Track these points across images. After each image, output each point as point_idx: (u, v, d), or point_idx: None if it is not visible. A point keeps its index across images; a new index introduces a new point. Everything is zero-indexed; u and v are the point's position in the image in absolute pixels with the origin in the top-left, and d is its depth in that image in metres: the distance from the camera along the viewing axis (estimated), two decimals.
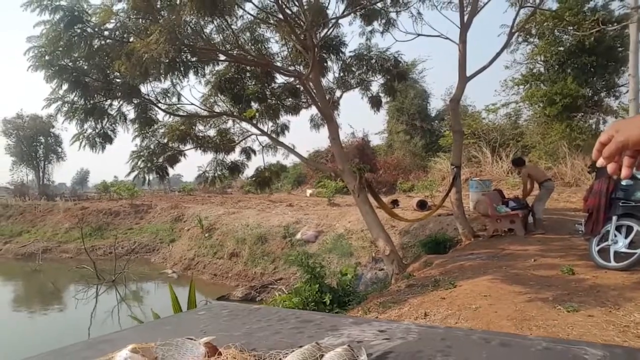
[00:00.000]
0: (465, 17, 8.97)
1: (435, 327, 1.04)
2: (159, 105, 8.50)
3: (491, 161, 17.06)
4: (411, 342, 0.95)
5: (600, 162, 0.78)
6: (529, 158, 15.58)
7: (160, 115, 8.86)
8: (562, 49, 17.49)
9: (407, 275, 6.65)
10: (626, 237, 5.19)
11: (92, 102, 7.71)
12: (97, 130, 7.98)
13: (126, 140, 10.10)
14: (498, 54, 9.38)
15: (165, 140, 8.98)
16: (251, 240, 12.88)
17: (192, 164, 19.45)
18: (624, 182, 5.52)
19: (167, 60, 6.27)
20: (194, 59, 7.48)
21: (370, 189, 8.72)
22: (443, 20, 18.71)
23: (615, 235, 5.24)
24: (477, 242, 8.29)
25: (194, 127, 9.22)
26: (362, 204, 8.23)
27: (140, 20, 6.91)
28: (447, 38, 9.52)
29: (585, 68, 17.35)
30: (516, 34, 13.40)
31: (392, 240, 8.47)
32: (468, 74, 9.04)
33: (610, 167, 0.78)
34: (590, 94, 17.15)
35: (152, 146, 8.91)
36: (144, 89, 8.13)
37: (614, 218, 5.31)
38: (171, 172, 9.27)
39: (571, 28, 16.58)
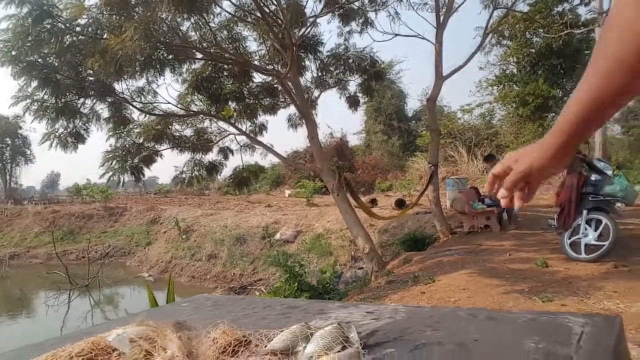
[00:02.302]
0: (441, 18, 9.12)
1: (422, 307, 1.05)
2: (134, 104, 8.33)
3: (467, 160, 17.40)
4: (399, 320, 0.96)
5: (500, 194, 0.79)
6: (503, 157, 15.94)
7: (136, 115, 8.68)
8: (533, 50, 18.01)
9: (387, 272, 6.71)
10: (595, 230, 5.38)
11: (63, 100, 7.47)
12: (69, 130, 7.75)
13: (99, 143, 9.82)
14: (472, 55, 9.59)
15: (141, 140, 8.79)
16: (230, 241, 12.75)
17: (169, 165, 19.18)
18: (593, 177, 5.73)
19: (143, 58, 6.15)
20: (170, 57, 7.37)
21: (348, 188, 8.75)
22: (420, 21, 18.97)
23: (586, 229, 5.42)
24: (455, 238, 8.44)
25: (170, 126, 9.05)
26: (341, 202, 8.26)
27: (114, 16, 6.75)
28: (423, 38, 9.68)
29: (555, 69, 17.92)
30: (490, 36, 13.71)
31: (371, 238, 8.53)
32: (444, 73, 9.20)
33: (505, 201, 0.79)
34: (560, 95, 17.72)
35: (127, 146, 8.71)
36: (118, 87, 7.95)
37: (584, 212, 5.49)
38: (147, 173, 9.08)
39: (541, 30, 17.11)
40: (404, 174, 19.53)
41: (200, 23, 7.62)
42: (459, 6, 9.59)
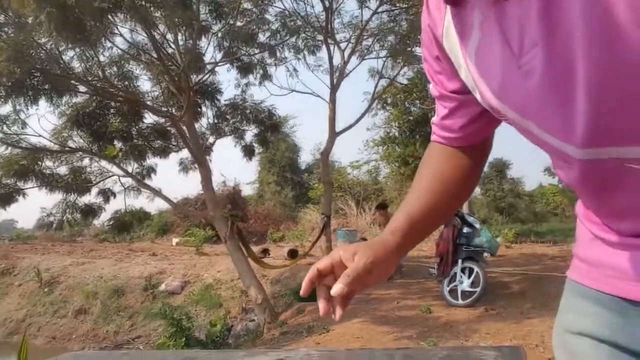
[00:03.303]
0: (335, 80, 9.83)
1: (336, 351, 1.00)
2: None
3: (356, 213, 18.30)
4: None
5: (335, 291, 0.64)
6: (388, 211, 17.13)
7: None
8: (411, 118, 20.23)
9: (280, 323, 6.51)
10: (469, 278, 5.98)
11: None
12: None
13: None
14: (362, 116, 10.49)
15: None
16: (105, 294, 11.28)
17: (33, 207, 16.66)
18: (465, 230, 6.43)
19: (10, 83, 5.42)
20: (46, 86, 6.64)
21: (240, 237, 8.50)
22: (315, 80, 20.19)
23: (461, 276, 5.99)
24: None
25: (39, 162, 7.98)
26: (234, 251, 7.96)
27: None
28: (318, 96, 10.28)
29: (429, 136, 19.87)
30: (376, 101, 15.11)
31: (264, 288, 8.29)
32: (337, 130, 9.78)
33: (325, 308, 0.66)
34: None
35: None
36: None
37: (459, 261, 6.09)
38: (2, 215, 7.79)
39: (418, 102, 19.44)
40: (296, 225, 19.71)
41: (86, 54, 7.08)
42: (349, 72, 10.48)
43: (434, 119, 0.76)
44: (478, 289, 5.78)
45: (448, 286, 6.01)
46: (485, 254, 6.52)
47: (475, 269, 5.93)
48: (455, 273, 6.01)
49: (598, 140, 0.49)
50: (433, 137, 0.78)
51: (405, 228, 0.69)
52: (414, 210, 0.71)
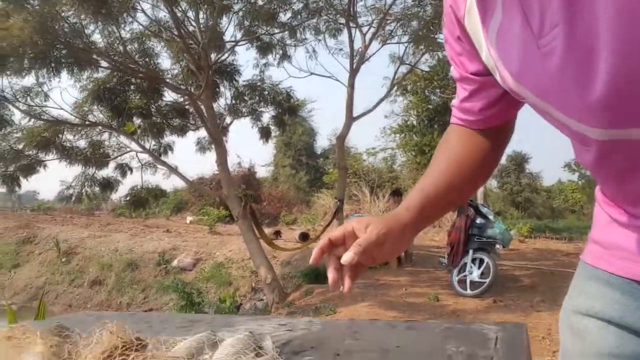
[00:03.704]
0: (355, 63, 9.70)
1: (338, 320, 1.01)
2: (17, 104, 7.35)
3: (370, 200, 18.25)
4: (316, 331, 0.90)
5: (346, 259, 0.63)
6: (402, 198, 17.07)
7: (17, 117, 7.66)
8: (431, 106, 19.94)
9: (288, 304, 6.60)
10: (479, 268, 5.94)
11: None
12: None
13: None
14: (380, 101, 10.34)
15: (21, 146, 7.75)
16: (119, 266, 11.57)
17: (53, 181, 16.99)
18: (478, 221, 6.36)
19: (33, 54, 5.47)
20: (70, 60, 6.71)
21: (253, 217, 8.59)
22: (334, 64, 20.03)
23: (471, 267, 5.96)
24: None
25: (60, 135, 8.14)
26: (246, 231, 8.05)
27: None
28: (337, 80, 10.16)
29: (447, 125, 20.00)
30: (395, 87, 14.92)
31: (273, 269, 8.38)
32: (354, 115, 9.70)
33: (334, 277, 0.65)
34: None
35: (1, 151, 7.61)
36: None
37: (470, 251, 6.05)
38: (25, 185, 7.99)
39: (438, 90, 19.13)
40: (309, 209, 19.79)
41: (109, 29, 7.12)
42: (370, 56, 10.32)
43: (454, 102, 0.76)
44: (487, 280, 5.74)
45: (457, 276, 5.98)
46: (497, 246, 6.45)
47: (486, 259, 5.88)
48: (466, 263, 5.98)
49: (618, 122, 0.49)
50: (452, 120, 0.77)
51: (420, 206, 0.68)
52: (428, 190, 0.70)
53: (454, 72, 0.71)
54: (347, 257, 0.63)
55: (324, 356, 0.73)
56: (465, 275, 5.94)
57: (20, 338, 0.62)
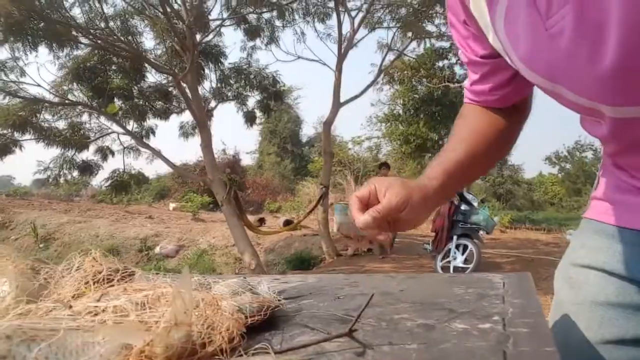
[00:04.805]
0: (343, 48, 9.62)
1: (335, 275, 0.96)
2: None
3: (354, 189, 18.27)
4: (312, 282, 0.86)
5: (361, 222, 0.61)
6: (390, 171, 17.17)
7: None
8: (417, 96, 19.99)
9: None
10: (462, 254, 5.99)
11: None
12: None
13: None
14: (367, 87, 10.30)
15: None
16: (100, 252, 11.37)
17: (30, 165, 16.54)
18: (462, 207, 6.40)
19: (8, 24, 5.23)
20: (48, 34, 6.45)
21: (237, 203, 8.49)
22: (322, 50, 19.89)
23: (455, 253, 6.00)
24: (340, 260, 8.66)
25: (38, 114, 7.87)
26: (230, 216, 7.96)
27: None
28: (324, 64, 10.05)
29: (433, 115, 20.08)
30: (382, 74, 14.88)
31: (258, 255, 8.33)
32: (341, 100, 9.63)
33: (372, 232, 0.62)
34: (436, 138, 19.82)
35: None
36: None
37: (454, 237, 6.09)
38: (0, 169, 7.71)
39: (425, 80, 19.17)
40: (293, 197, 19.74)
41: (89, 3, 6.85)
42: (358, 41, 10.25)
43: (465, 84, 0.76)
44: (470, 266, 5.79)
45: (441, 262, 6.01)
46: (481, 232, 6.51)
47: (470, 246, 5.93)
48: (450, 249, 6.02)
49: (630, 99, 0.49)
50: (466, 100, 0.77)
51: (443, 176, 0.66)
52: (456, 158, 0.68)
53: (462, 56, 0.70)
54: (363, 220, 0.61)
55: (324, 300, 0.68)
56: (449, 261, 5.97)
57: None
